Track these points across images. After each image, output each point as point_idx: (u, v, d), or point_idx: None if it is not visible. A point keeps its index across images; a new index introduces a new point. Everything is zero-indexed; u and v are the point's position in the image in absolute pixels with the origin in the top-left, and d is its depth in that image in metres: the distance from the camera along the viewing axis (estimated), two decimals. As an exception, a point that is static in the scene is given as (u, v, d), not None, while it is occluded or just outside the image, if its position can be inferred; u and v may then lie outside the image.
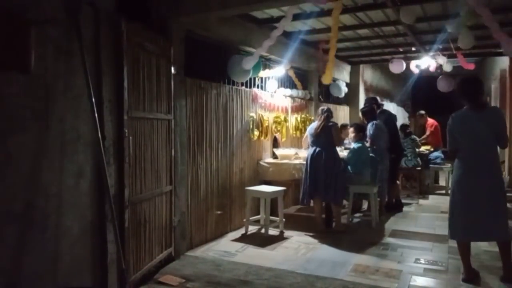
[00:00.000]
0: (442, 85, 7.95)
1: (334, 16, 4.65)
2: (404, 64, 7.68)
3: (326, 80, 5.20)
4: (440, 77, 7.89)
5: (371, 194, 5.21)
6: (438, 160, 8.07)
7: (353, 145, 5.37)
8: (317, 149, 4.85)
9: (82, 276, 2.80)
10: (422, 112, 8.58)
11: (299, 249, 4.31)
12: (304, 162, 5.00)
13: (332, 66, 5.08)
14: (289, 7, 4.41)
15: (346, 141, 6.47)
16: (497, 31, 3.98)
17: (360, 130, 5.45)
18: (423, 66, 7.87)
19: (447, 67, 7.59)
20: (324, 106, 5.25)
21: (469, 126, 3.32)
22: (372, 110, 5.95)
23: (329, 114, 4.95)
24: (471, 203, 3.32)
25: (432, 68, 7.80)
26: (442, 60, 7.35)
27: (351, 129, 5.70)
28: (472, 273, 3.42)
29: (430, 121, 8.53)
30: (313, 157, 4.85)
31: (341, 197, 5.04)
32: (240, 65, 4.72)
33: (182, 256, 4.01)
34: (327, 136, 4.84)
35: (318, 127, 4.89)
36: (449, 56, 7.34)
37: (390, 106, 9.59)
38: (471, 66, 7.43)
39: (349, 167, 5.28)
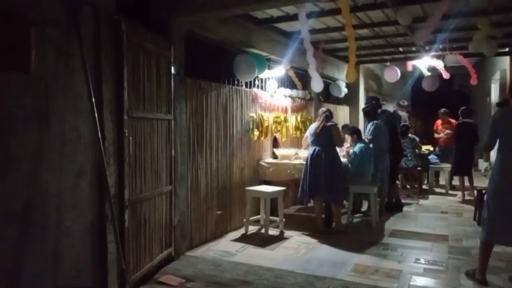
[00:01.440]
0: (426, 84, 7.89)
1: (344, 14, 4.64)
2: (399, 72, 7.65)
3: (349, 78, 5.22)
4: (425, 76, 7.85)
5: (371, 194, 5.21)
6: (435, 160, 8.06)
7: (356, 146, 5.34)
8: (317, 149, 4.85)
9: (82, 276, 2.80)
10: (446, 110, 8.37)
11: (299, 249, 4.31)
12: (304, 162, 5.00)
13: (353, 64, 5.10)
14: (299, 7, 4.45)
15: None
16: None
17: (354, 133, 5.48)
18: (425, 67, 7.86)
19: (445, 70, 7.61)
20: (324, 107, 5.27)
21: None
22: (374, 109, 5.96)
23: (328, 114, 4.97)
24: (510, 206, 3.19)
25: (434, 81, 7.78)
26: (440, 64, 7.36)
27: (346, 136, 5.74)
28: (485, 275, 3.38)
29: (452, 120, 8.32)
30: (313, 157, 4.85)
31: (341, 197, 5.03)
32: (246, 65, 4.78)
33: (182, 256, 4.01)
34: (327, 136, 4.85)
35: (318, 127, 4.90)
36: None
37: (389, 106, 9.60)
38: (474, 81, 7.50)
39: (350, 167, 5.27)
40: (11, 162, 2.31)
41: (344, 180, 5.01)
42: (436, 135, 8.35)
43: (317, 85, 5.47)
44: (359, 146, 5.30)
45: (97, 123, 2.73)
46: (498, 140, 3.31)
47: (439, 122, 8.36)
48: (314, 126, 5.02)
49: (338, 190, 4.85)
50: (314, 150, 4.87)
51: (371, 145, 5.52)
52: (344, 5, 4.46)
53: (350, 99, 9.01)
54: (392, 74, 7.75)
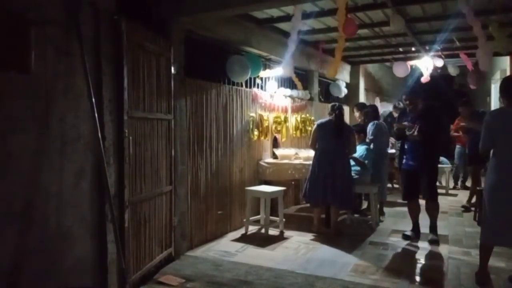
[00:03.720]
0: (398, 71, 7.79)
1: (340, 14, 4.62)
2: (409, 67, 7.55)
3: (330, 73, 5.15)
4: (396, 62, 7.76)
5: (371, 194, 5.20)
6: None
7: (361, 148, 5.32)
8: (332, 151, 4.69)
9: (82, 276, 2.80)
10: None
11: (299, 249, 4.31)
12: (304, 162, 4.97)
13: (338, 61, 5.04)
14: (294, 8, 4.44)
15: None
16: (483, 44, 4.19)
17: (361, 131, 5.46)
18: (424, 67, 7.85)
19: (453, 71, 7.57)
20: (334, 103, 5.05)
21: (507, 124, 3.22)
22: (374, 110, 5.96)
23: (341, 111, 4.82)
24: (506, 206, 3.18)
25: (429, 71, 7.73)
26: (439, 62, 7.35)
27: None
28: (486, 276, 3.38)
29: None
30: (329, 160, 4.67)
31: (353, 202, 5.04)
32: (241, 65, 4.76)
33: (182, 256, 4.01)
34: (346, 138, 4.73)
35: (337, 126, 4.73)
36: (450, 56, 7.35)
37: (389, 106, 9.60)
38: (470, 67, 7.43)
39: (357, 168, 5.24)
40: (11, 162, 2.31)
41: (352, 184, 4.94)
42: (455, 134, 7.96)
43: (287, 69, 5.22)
44: (364, 148, 5.28)
45: (97, 123, 2.73)
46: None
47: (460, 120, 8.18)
48: (328, 123, 4.83)
49: (351, 196, 4.81)
50: (329, 152, 4.70)
51: (371, 145, 5.53)
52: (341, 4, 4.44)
53: (350, 99, 9.01)
54: (401, 69, 7.61)
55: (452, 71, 7.64)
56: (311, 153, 5.17)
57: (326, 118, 4.99)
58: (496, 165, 3.28)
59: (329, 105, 5.08)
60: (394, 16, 4.95)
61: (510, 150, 3.19)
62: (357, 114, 6.53)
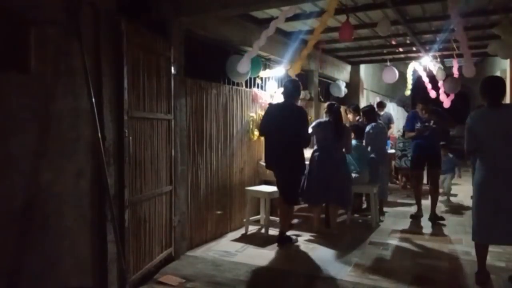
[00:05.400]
0: (387, 77, 7.78)
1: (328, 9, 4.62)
2: (397, 72, 7.57)
3: (294, 69, 5.16)
4: (386, 68, 7.73)
5: (371, 194, 5.20)
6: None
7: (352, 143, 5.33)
8: (330, 149, 4.70)
9: (82, 276, 2.80)
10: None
11: (299, 249, 4.31)
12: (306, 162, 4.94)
13: (304, 57, 5.04)
14: (289, 7, 4.42)
15: None
16: (467, 53, 4.22)
17: (354, 131, 5.43)
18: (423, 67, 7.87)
19: (440, 75, 7.60)
20: (333, 102, 5.04)
21: (489, 124, 3.24)
22: (373, 110, 5.95)
23: (340, 112, 4.81)
24: (494, 204, 3.20)
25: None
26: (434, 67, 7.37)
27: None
28: (486, 276, 3.38)
29: None
30: (326, 158, 4.68)
31: (352, 200, 5.04)
32: (237, 67, 4.73)
33: (182, 256, 4.01)
34: (343, 137, 4.73)
35: (337, 127, 4.71)
36: (448, 57, 7.35)
37: (390, 106, 9.60)
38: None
39: (351, 166, 5.25)
40: (11, 162, 2.31)
41: (351, 181, 4.94)
42: None
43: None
44: (354, 143, 5.26)
45: (97, 123, 2.73)
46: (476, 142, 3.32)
47: None
48: (328, 123, 4.80)
49: (350, 193, 4.82)
50: (329, 151, 4.69)
51: (369, 146, 5.52)
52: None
53: (350, 99, 9.01)
54: (390, 75, 7.65)
55: (440, 76, 7.64)
56: (310, 153, 5.17)
57: (325, 118, 4.99)
58: (482, 165, 3.31)
59: (326, 104, 5.10)
60: (382, 20, 5.02)
61: (494, 149, 3.22)
62: (350, 115, 6.58)
